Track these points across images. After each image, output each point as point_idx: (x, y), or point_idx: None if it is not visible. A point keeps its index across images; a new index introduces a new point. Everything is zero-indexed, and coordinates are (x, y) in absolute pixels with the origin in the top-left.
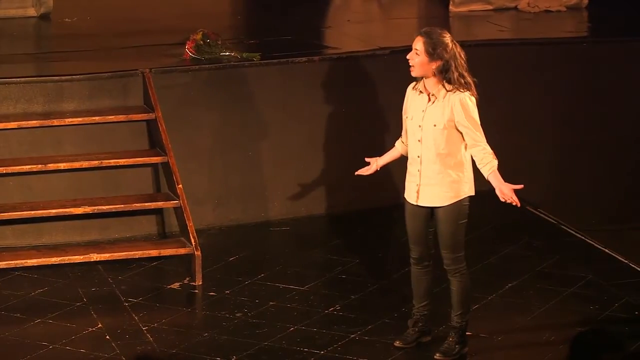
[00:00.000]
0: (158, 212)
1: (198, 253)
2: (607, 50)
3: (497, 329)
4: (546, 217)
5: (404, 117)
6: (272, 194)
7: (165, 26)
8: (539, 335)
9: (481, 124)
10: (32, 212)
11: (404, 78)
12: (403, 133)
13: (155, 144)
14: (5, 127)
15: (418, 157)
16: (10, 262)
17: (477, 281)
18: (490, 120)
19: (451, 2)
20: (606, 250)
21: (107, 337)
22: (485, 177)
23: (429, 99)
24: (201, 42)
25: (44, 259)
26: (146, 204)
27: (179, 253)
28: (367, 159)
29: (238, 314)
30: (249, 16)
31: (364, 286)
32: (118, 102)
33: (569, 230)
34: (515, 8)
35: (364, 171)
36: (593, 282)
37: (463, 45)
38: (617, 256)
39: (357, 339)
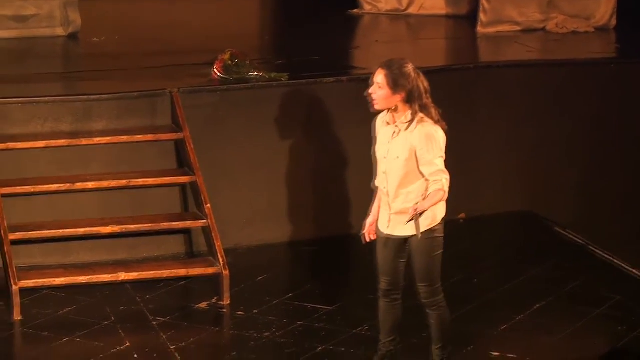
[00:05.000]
0: (186, 231)
1: (226, 272)
2: (635, 71)
3: (524, 349)
4: (574, 238)
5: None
6: (300, 213)
7: (193, 46)
8: (566, 356)
9: (508, 142)
10: (60, 231)
11: (433, 98)
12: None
13: (183, 164)
14: (33, 147)
15: (384, 188)
16: (38, 280)
17: (505, 302)
18: (518, 141)
19: (479, 23)
20: (634, 271)
21: (135, 356)
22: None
23: (394, 132)
24: (229, 62)
25: (71, 278)
26: (174, 223)
27: (206, 272)
28: (365, 232)
29: (266, 334)
30: (277, 36)
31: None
32: (146, 122)
33: (597, 251)
34: (543, 29)
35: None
36: (621, 303)
37: (490, 66)
38: None
39: None
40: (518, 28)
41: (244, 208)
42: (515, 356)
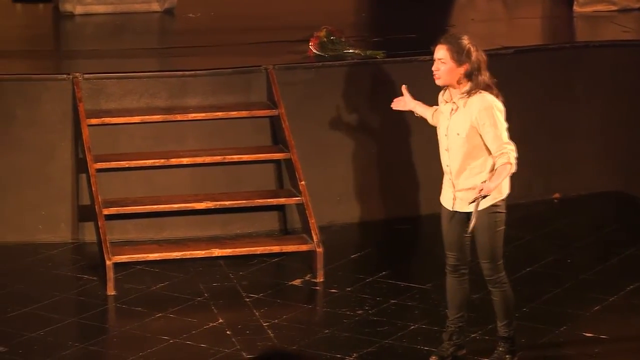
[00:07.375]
0: (280, 208)
1: (320, 250)
2: None
3: (617, 331)
4: None
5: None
6: (393, 192)
7: (289, 23)
8: None
9: (604, 122)
10: (155, 206)
11: (529, 77)
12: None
13: (278, 140)
14: (129, 122)
15: (447, 166)
16: (132, 256)
17: (598, 283)
18: (613, 121)
19: (575, 2)
20: None
21: (228, 332)
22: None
23: (452, 109)
24: (325, 39)
25: (165, 254)
26: (268, 200)
27: (300, 249)
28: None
29: (359, 312)
30: (373, 14)
31: (486, 285)
32: (241, 98)
33: None
34: None
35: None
36: None
37: (587, 46)
38: None
39: (478, 338)
40: (614, 8)
41: (338, 185)
42: (607, 337)
